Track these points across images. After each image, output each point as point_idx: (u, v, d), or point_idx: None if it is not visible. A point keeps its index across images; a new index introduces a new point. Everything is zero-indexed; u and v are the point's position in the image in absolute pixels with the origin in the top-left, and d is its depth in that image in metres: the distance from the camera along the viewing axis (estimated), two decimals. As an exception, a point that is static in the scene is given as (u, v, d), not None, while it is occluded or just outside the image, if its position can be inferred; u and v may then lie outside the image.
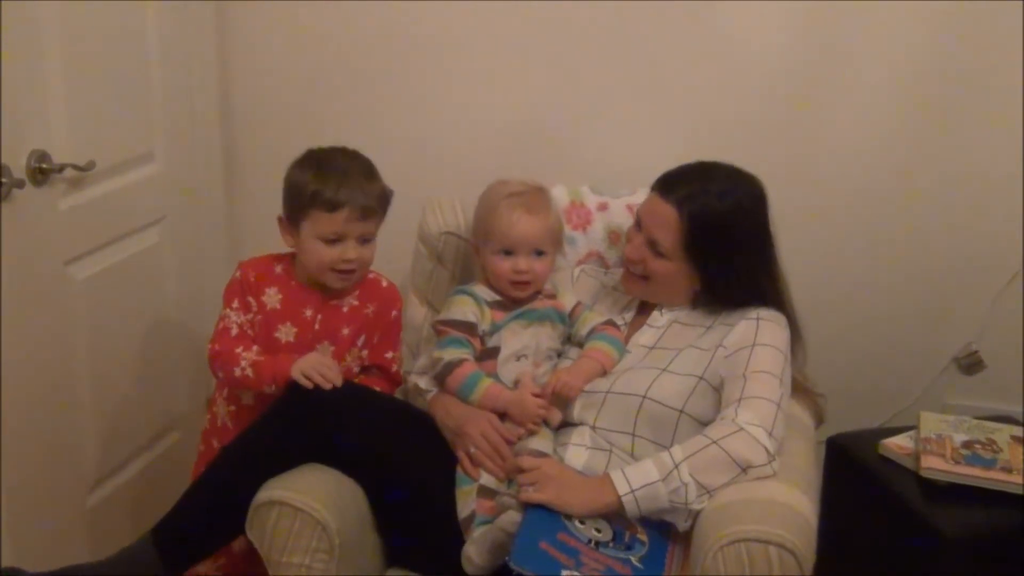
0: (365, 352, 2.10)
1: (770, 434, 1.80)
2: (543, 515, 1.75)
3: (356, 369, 2.10)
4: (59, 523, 2.19)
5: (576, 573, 1.65)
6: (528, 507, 1.75)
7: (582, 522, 1.76)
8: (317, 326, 2.06)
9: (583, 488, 1.81)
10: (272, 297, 2.05)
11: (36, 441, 2.09)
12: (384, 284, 2.13)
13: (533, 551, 1.66)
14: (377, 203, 2.00)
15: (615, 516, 1.79)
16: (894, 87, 2.45)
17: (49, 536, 2.15)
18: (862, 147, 2.50)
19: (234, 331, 2.02)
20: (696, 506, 1.76)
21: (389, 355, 2.13)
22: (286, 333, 2.05)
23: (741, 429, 1.79)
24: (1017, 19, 2.35)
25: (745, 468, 1.76)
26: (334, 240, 1.97)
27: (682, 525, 1.78)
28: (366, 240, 2.01)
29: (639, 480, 1.77)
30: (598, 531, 1.76)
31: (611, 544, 1.75)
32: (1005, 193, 2.46)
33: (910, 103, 2.45)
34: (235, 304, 2.04)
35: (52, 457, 2.15)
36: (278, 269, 2.07)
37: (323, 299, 2.06)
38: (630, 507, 1.77)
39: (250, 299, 2.05)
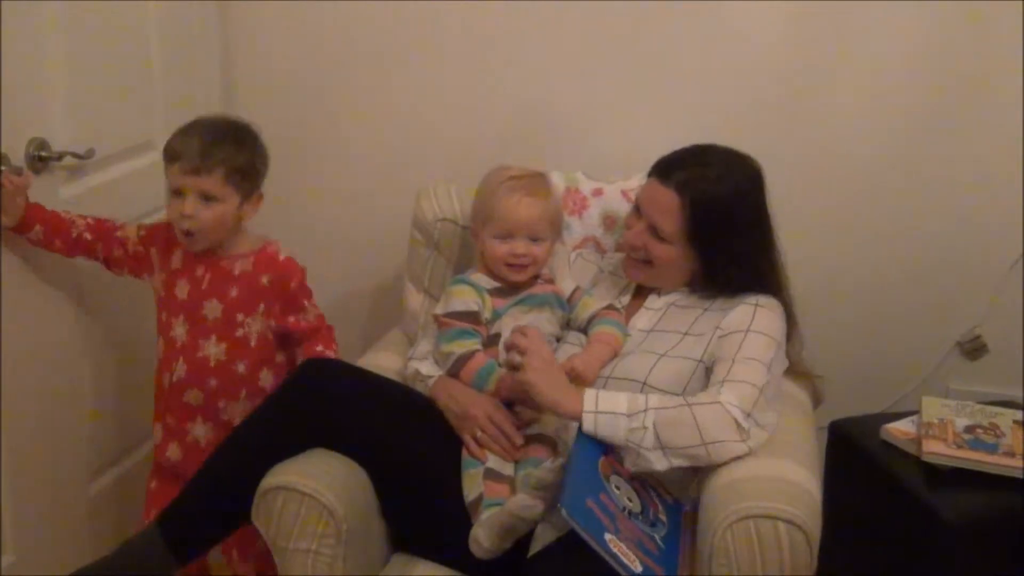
0: (272, 321, 2.12)
1: (747, 414, 1.80)
2: (586, 470, 1.75)
3: (270, 336, 2.13)
4: (61, 512, 2.20)
5: (615, 538, 1.65)
6: (572, 457, 1.75)
7: (617, 487, 1.76)
8: (204, 285, 2.09)
9: (559, 387, 1.85)
10: (177, 257, 2.12)
11: (37, 430, 2.09)
12: (281, 258, 2.13)
13: (581, 505, 1.66)
14: (221, 164, 2.00)
15: (640, 489, 1.81)
16: (897, 73, 2.44)
17: (51, 525, 2.16)
18: (863, 133, 2.49)
19: None
20: (647, 454, 1.77)
21: (292, 319, 2.13)
22: (181, 289, 2.10)
23: (717, 403, 1.80)
24: (1018, 10, 2.35)
25: (706, 442, 1.77)
26: (177, 193, 2.02)
27: (631, 463, 1.80)
28: (208, 199, 2.01)
29: (607, 406, 1.81)
30: (630, 500, 1.77)
31: (640, 517, 1.76)
32: (1008, 178, 2.46)
33: (913, 89, 2.45)
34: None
35: (53, 446, 2.16)
36: None
37: (214, 260, 2.10)
38: (587, 424, 1.80)
39: (153, 251, 2.14)
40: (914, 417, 2.20)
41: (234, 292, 2.09)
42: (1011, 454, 2.04)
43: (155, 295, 2.17)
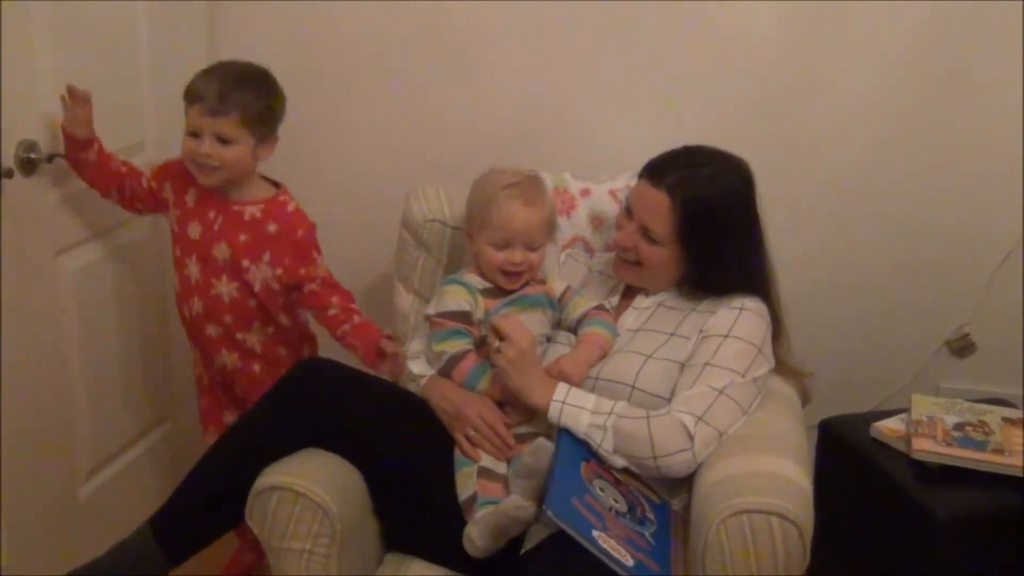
0: (279, 271, 2.15)
1: (699, 418, 1.83)
2: (569, 473, 1.77)
3: (276, 287, 2.16)
4: (53, 514, 2.19)
5: (604, 535, 1.66)
6: (554, 461, 1.76)
7: (602, 490, 1.78)
8: (216, 227, 2.15)
9: (532, 375, 1.90)
10: (191, 196, 2.18)
11: (29, 432, 2.08)
12: (290, 208, 2.18)
13: (567, 504, 1.67)
14: (237, 108, 2.05)
15: (626, 491, 1.81)
16: (886, 74, 2.46)
17: (43, 527, 2.15)
18: (853, 134, 2.50)
19: None
20: (607, 455, 1.83)
21: (302, 271, 2.15)
22: (193, 230, 2.16)
23: (671, 413, 1.84)
24: (1016, 9, 2.37)
25: (656, 455, 1.81)
26: (194, 135, 2.08)
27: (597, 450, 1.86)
28: (224, 141, 2.07)
29: (576, 400, 1.87)
30: (615, 501, 1.78)
31: (628, 516, 1.77)
32: (996, 176, 2.48)
33: (902, 89, 2.46)
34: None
35: (45, 447, 2.15)
36: None
37: (226, 203, 2.16)
38: (552, 413, 1.86)
39: (167, 186, 2.20)
40: (904, 415, 2.22)
41: (242, 237, 2.14)
42: (1000, 451, 2.05)
43: (170, 230, 2.22)
